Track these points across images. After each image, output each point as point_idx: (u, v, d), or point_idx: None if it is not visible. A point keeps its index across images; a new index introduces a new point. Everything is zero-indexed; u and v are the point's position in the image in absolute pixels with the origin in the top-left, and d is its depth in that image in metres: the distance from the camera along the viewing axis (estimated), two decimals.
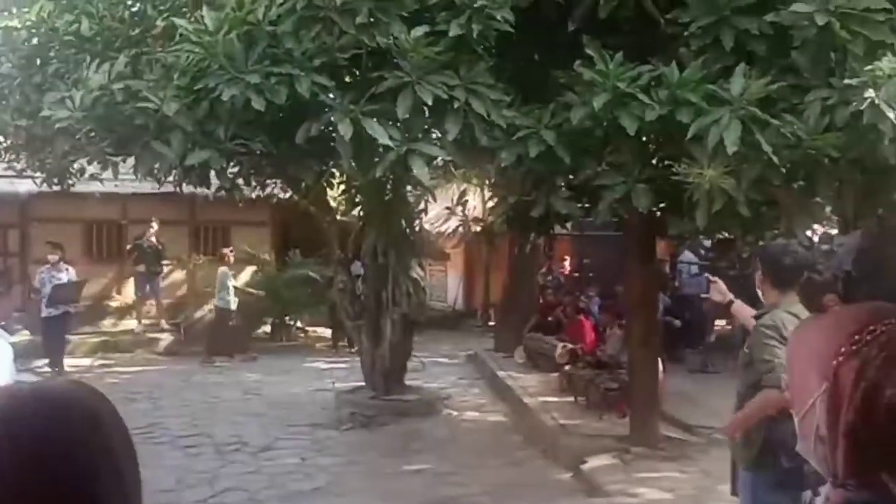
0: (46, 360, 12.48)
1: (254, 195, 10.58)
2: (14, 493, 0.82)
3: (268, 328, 15.67)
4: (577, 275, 14.66)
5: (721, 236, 8.36)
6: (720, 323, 12.00)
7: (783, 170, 5.02)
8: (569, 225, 11.34)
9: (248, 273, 15.83)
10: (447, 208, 14.46)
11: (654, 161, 5.47)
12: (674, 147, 5.16)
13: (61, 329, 12.36)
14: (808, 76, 5.02)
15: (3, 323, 4.72)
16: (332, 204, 10.12)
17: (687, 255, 12.40)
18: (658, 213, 6.65)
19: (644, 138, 5.39)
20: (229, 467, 7.80)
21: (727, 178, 4.84)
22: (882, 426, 1.07)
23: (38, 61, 5.51)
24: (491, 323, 16.32)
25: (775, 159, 4.78)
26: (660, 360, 8.24)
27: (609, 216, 5.58)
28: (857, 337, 1.11)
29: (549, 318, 12.33)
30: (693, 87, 4.93)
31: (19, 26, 5.36)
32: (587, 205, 6.33)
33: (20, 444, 0.84)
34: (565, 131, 5.15)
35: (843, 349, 1.11)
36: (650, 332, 7.78)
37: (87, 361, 12.27)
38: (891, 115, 4.52)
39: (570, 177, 5.55)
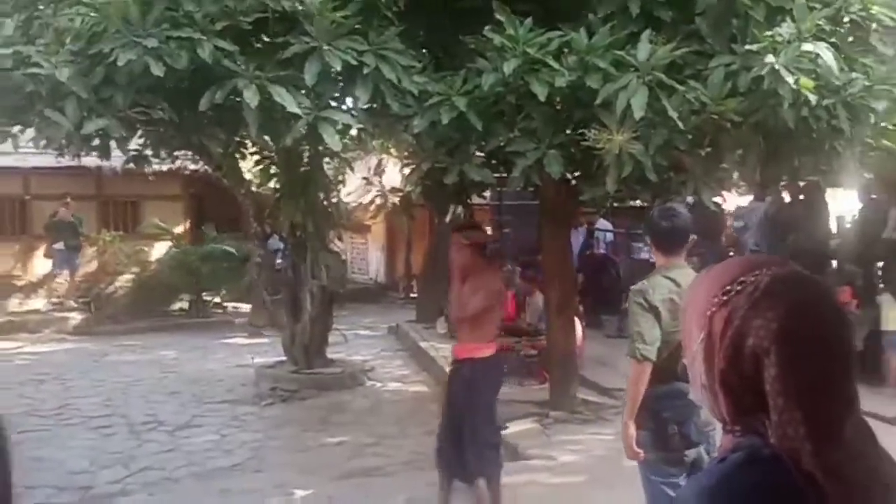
0: None
1: (165, 168, 10.26)
2: None
3: (185, 304, 15.33)
4: (496, 244, 14.74)
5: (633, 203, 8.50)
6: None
7: (689, 135, 5.12)
8: (487, 194, 11.40)
9: (161, 248, 15.44)
10: (364, 178, 14.34)
11: (565, 127, 5.50)
12: (584, 113, 5.19)
13: None
14: (712, 42, 5.12)
15: None
16: (247, 176, 9.88)
17: (602, 223, 12.62)
18: (572, 181, 6.72)
19: (555, 104, 5.41)
20: (145, 447, 7.63)
21: (635, 144, 4.90)
22: (748, 373, 1.09)
23: None
24: (413, 295, 16.34)
25: (681, 125, 4.87)
26: (579, 325, 8.39)
27: (523, 183, 5.59)
28: (728, 287, 1.13)
29: None
30: (601, 53, 4.96)
31: None
32: (502, 173, 6.35)
33: None
34: (477, 98, 5.12)
35: (715, 299, 1.13)
36: (567, 299, 7.90)
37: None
38: (790, 79, 4.64)
39: (484, 144, 5.54)
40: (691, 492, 1.13)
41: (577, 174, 6.48)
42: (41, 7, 4.69)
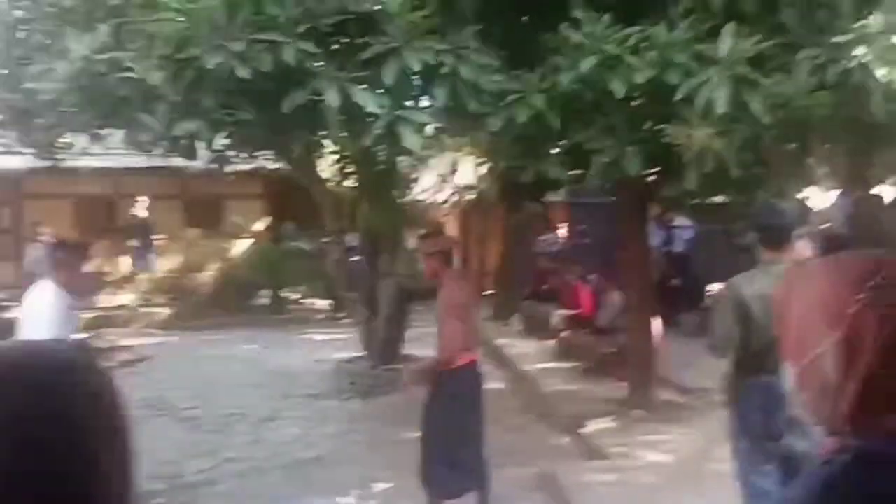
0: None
1: (245, 168, 10.54)
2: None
3: (264, 300, 15.71)
4: (573, 242, 14.64)
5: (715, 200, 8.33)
6: (714, 286, 12.02)
7: (774, 130, 4.99)
8: (564, 192, 11.33)
9: (242, 246, 15.87)
10: (439, 176, 14.42)
11: (644, 124, 5.44)
12: (664, 109, 5.11)
13: None
14: (798, 34, 4.97)
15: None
16: (324, 174, 10.07)
17: (681, 219, 12.38)
18: (651, 177, 6.63)
19: (634, 101, 5.35)
20: (231, 438, 7.87)
21: (717, 140, 4.81)
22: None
23: (18, 34, 5.44)
24: (487, 292, 16.36)
25: (765, 120, 4.75)
26: (658, 323, 8.27)
27: (600, 181, 5.56)
28: (871, 284, 1.10)
29: (546, 286, 12.34)
30: (682, 48, 4.87)
31: None
32: (579, 170, 6.32)
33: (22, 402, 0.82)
34: (554, 95, 5.10)
35: (858, 297, 1.10)
36: (645, 297, 7.80)
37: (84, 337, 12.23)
38: (880, 72, 4.48)
39: (561, 142, 5.52)
40: (798, 492, 1.12)
41: (655, 171, 6.40)
42: (132, 13, 4.87)
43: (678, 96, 4.83)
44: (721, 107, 4.67)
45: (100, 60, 4.60)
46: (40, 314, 4.72)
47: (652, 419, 7.36)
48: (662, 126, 5.05)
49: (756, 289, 3.76)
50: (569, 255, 13.66)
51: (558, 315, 10.85)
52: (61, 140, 7.96)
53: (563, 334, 10.30)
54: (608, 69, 4.93)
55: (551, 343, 10.63)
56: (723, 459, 6.02)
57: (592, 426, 7.30)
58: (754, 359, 3.70)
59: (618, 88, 4.88)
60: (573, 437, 7.31)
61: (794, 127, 5.01)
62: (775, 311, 1.27)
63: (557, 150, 5.74)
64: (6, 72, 5.39)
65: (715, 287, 4.40)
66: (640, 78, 4.89)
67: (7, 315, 13.55)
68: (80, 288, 5.12)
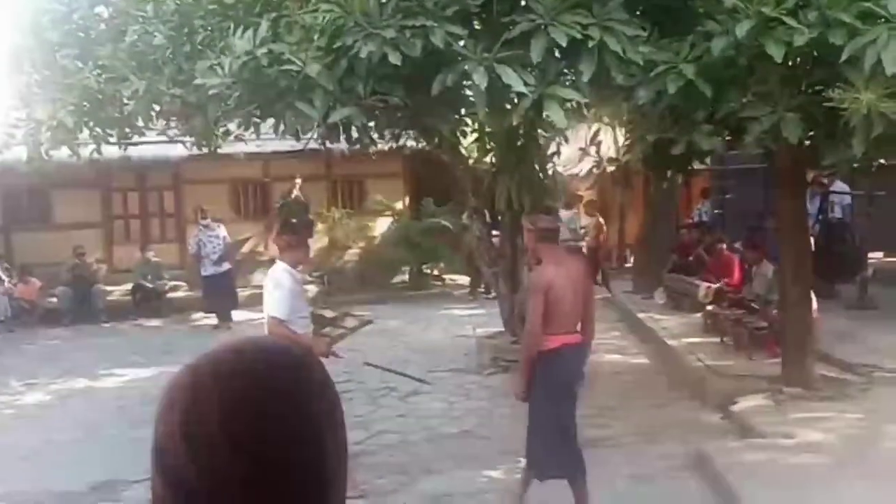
0: (205, 315, 13.37)
1: (386, 147, 10.79)
2: (262, 441, 0.86)
3: (405, 277, 16.08)
4: (718, 211, 14.15)
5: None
6: (876, 255, 11.33)
7: None
8: (708, 160, 10.94)
9: (384, 224, 16.28)
10: (580, 149, 14.22)
11: (804, 88, 5.17)
12: (825, 72, 4.85)
13: (229, 285, 13.15)
14: None
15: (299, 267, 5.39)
16: (465, 152, 10.16)
17: (839, 185, 11.68)
18: (808, 143, 6.30)
19: (792, 65, 5.10)
20: (380, 411, 8.15)
21: (887, 101, 4.52)
22: None
23: (186, 31, 5.78)
24: (627, 265, 16.08)
25: None
26: (813, 296, 7.89)
27: (756, 149, 5.34)
28: None
29: (690, 257, 12.00)
30: (845, 6, 4.60)
31: None
32: (730, 138, 6.09)
33: (271, 395, 0.88)
34: (706, 63, 4.93)
35: None
36: (802, 268, 7.44)
37: (241, 315, 12.99)
38: None
39: (713, 110, 5.33)
40: None
41: (812, 135, 6.08)
42: (288, 5, 5.08)
43: (843, 57, 4.57)
44: (891, 66, 4.38)
45: (261, 54, 4.83)
46: (281, 294, 5.12)
47: (810, 396, 7.04)
48: (823, 89, 4.79)
49: None
50: (715, 224, 13.22)
51: (705, 287, 10.55)
52: (219, 129, 8.45)
53: (709, 307, 10.01)
54: (765, 33, 4.72)
55: (697, 317, 10.35)
56: (892, 437, 5.73)
57: (744, 403, 7.06)
58: None
59: (776, 52, 4.67)
60: (725, 415, 7.11)
61: None
62: None
63: (709, 119, 5.55)
64: (175, 68, 5.75)
65: (877, 255, 4.12)
66: (799, 40, 4.66)
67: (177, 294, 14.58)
68: (305, 264, 5.49)
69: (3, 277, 13.61)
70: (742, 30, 4.69)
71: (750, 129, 5.12)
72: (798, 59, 5.00)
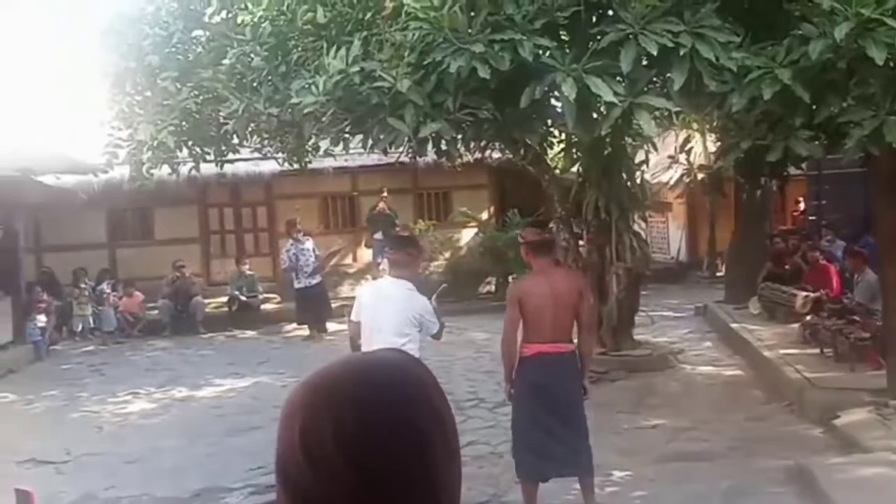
0: (298, 326, 13.69)
1: (471, 159, 10.87)
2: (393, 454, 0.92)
3: (492, 287, 16.10)
4: (813, 218, 13.70)
5: None
6: None
7: None
8: (804, 165, 10.62)
9: (469, 235, 16.36)
10: (669, 157, 13.98)
11: None
12: None
13: (321, 296, 13.44)
14: None
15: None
16: (550, 162, 10.14)
17: None
18: None
19: (894, 66, 4.91)
20: (469, 422, 8.17)
21: None
22: None
23: (281, 52, 5.98)
24: (718, 274, 15.70)
25: None
26: None
27: (856, 154, 5.16)
28: None
29: (787, 266, 11.63)
30: None
31: (262, 18, 5.84)
32: (827, 143, 5.91)
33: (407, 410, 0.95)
34: (803, 67, 4.80)
35: None
36: None
37: (334, 326, 13.25)
38: None
39: (810, 116, 5.18)
40: None
41: None
42: (379, 24, 5.20)
43: None
44: None
45: (354, 72, 4.96)
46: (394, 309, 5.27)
47: None
48: None
49: None
50: (812, 232, 12.80)
51: (802, 297, 10.21)
52: (310, 145, 8.68)
53: (808, 318, 9.68)
54: (865, 34, 4.57)
55: (794, 327, 10.02)
56: None
57: (847, 417, 6.80)
58: None
59: (877, 55, 4.51)
60: (826, 429, 6.86)
61: None
62: None
63: (806, 124, 5.40)
64: (271, 87, 5.95)
65: None
66: None
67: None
68: (415, 278, 5.62)
69: (109, 291, 14.27)
70: (841, 32, 4.55)
71: (851, 134, 4.95)
72: None
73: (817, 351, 8.93)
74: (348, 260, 16.56)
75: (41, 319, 12.71)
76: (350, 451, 0.89)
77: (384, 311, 5.32)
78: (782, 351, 9.27)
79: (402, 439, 0.92)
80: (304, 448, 0.91)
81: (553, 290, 5.17)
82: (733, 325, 11.09)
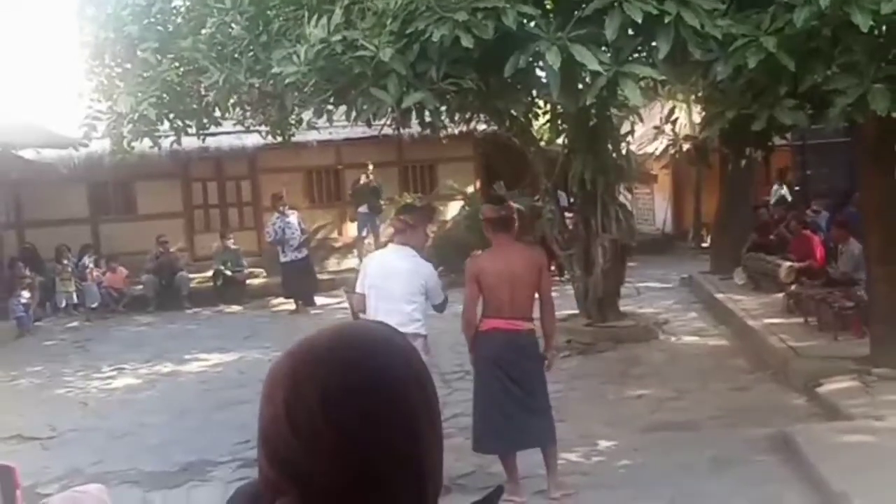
0: (284, 300, 13.65)
1: (457, 131, 10.80)
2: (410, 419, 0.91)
3: None
4: (798, 188, 13.74)
5: None
6: None
7: None
8: (788, 135, 10.63)
9: (455, 207, 16.31)
10: (655, 128, 13.94)
11: (891, 58, 4.95)
12: None
13: (308, 270, 13.40)
14: None
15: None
16: (536, 134, 10.09)
17: None
18: None
19: (879, 34, 4.89)
20: (455, 394, 8.17)
21: None
22: None
23: (262, 21, 5.88)
24: (704, 244, 15.75)
25: None
26: None
27: (841, 123, 5.15)
28: None
29: (772, 236, 11.68)
30: None
31: None
32: (812, 112, 5.90)
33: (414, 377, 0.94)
34: (788, 35, 4.77)
35: None
36: (891, 245, 7.17)
37: (321, 300, 13.23)
38: None
39: (795, 84, 5.16)
40: None
41: None
42: None
43: None
44: None
45: (335, 41, 4.89)
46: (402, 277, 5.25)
47: None
48: None
49: None
50: (796, 202, 12.85)
51: (787, 266, 10.26)
52: (293, 117, 8.59)
53: (792, 287, 9.74)
54: (850, 1, 4.54)
55: (778, 297, 10.09)
56: None
57: (831, 385, 6.86)
58: None
59: (862, 21, 4.49)
60: (810, 397, 6.93)
61: None
62: None
63: (791, 93, 5.37)
64: (252, 58, 5.86)
65: None
66: (887, 8, 4.48)
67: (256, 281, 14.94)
68: (423, 248, 5.52)
69: (92, 266, 14.16)
70: None
71: (835, 103, 4.94)
72: (885, 28, 4.79)
73: (801, 320, 8.99)
74: (334, 234, 16.47)
75: (24, 295, 12.62)
76: (336, 416, 0.87)
77: (392, 278, 5.31)
78: (767, 320, 9.34)
79: (390, 409, 0.90)
80: (289, 418, 0.88)
81: (510, 267, 5.12)
82: (718, 296, 11.14)
